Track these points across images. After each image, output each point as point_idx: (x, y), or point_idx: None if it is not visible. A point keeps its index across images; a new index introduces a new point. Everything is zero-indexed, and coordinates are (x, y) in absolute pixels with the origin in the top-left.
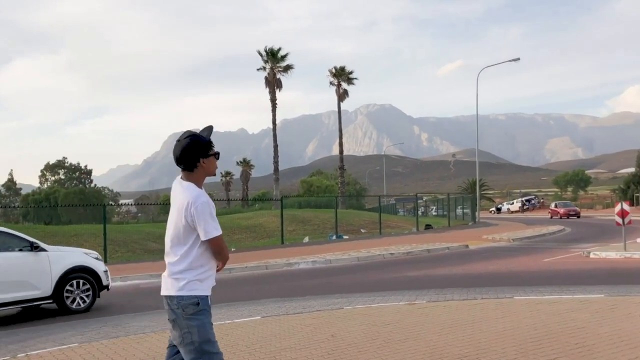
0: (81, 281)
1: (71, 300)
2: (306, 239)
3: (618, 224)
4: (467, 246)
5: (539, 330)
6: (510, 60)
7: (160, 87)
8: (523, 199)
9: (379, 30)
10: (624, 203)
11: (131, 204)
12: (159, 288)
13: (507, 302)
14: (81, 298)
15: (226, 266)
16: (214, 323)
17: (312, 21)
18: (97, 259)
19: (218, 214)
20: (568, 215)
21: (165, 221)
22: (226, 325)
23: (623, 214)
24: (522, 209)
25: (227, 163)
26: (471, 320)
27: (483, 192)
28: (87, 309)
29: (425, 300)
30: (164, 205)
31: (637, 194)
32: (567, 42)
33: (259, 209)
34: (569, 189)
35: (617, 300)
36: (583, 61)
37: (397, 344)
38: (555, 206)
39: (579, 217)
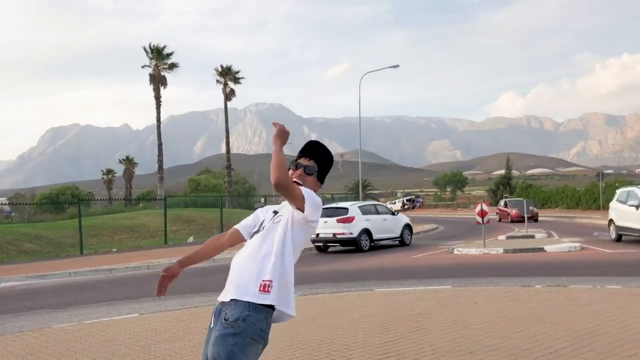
0: None
1: None
2: (191, 239)
3: (478, 223)
4: None
5: (388, 316)
6: (390, 67)
7: (37, 80)
8: (404, 198)
9: (269, 30)
10: (483, 204)
11: (4, 203)
12: (35, 289)
13: (367, 294)
14: None
15: (106, 266)
16: (91, 321)
17: (202, 17)
18: None
19: (99, 214)
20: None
21: (42, 221)
22: (104, 322)
23: (482, 214)
24: (404, 208)
25: (109, 160)
26: (333, 310)
27: (368, 191)
28: None
29: (296, 295)
30: (40, 204)
31: (506, 195)
32: (447, 49)
33: (142, 209)
34: (448, 189)
35: (460, 290)
36: (462, 68)
37: None
38: (506, 205)
39: (536, 220)
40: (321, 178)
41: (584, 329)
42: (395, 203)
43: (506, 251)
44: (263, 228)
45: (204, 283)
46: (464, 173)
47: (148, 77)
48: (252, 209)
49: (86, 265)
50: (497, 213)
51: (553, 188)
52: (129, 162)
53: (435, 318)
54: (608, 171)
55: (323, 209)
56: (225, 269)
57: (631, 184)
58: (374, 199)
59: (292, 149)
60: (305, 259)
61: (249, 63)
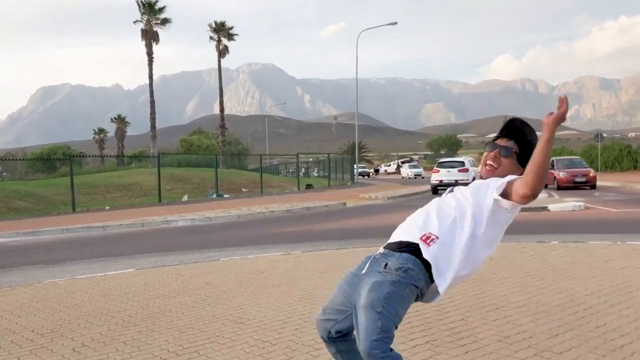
0: None
1: None
2: (185, 198)
3: (466, 181)
4: (344, 204)
5: None
6: (388, 24)
7: (26, 37)
8: (399, 161)
9: None
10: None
11: None
12: (26, 246)
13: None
14: None
15: (100, 223)
16: (85, 277)
17: None
18: None
19: (91, 173)
20: (575, 183)
21: (35, 179)
22: (98, 277)
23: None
24: (398, 171)
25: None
26: (341, 266)
27: (363, 154)
28: None
29: (300, 250)
30: (32, 161)
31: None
32: (445, 9)
33: (135, 168)
34: (442, 152)
35: None
36: (458, 30)
37: (271, 289)
38: (553, 167)
39: (593, 187)
40: (522, 162)
41: (614, 285)
42: (390, 165)
43: None
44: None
45: (203, 240)
46: (458, 136)
47: (140, 33)
48: (245, 169)
49: (79, 222)
50: None
51: None
52: (120, 121)
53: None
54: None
55: (445, 161)
56: (225, 227)
57: None
58: (368, 161)
59: (285, 110)
60: (301, 218)
61: (242, 21)
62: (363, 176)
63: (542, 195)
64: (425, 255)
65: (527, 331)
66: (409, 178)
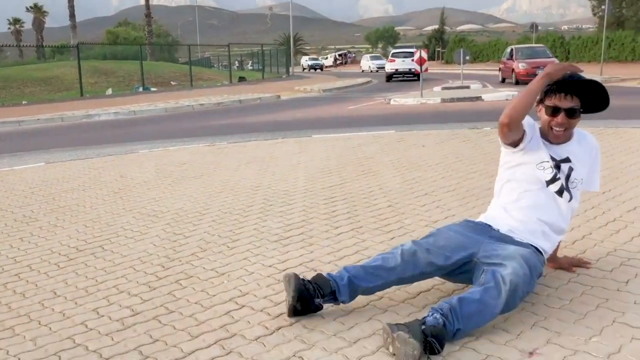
0: None
1: None
2: (109, 91)
3: (416, 71)
4: (279, 97)
5: (331, 161)
6: None
7: None
8: (336, 53)
9: None
10: (422, 51)
11: None
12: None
13: (305, 140)
14: None
15: (14, 118)
16: None
17: None
18: None
19: (7, 66)
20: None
21: None
22: (3, 172)
23: (421, 61)
24: (335, 64)
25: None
26: (269, 156)
27: (299, 47)
28: None
29: (227, 142)
30: None
31: (438, 49)
32: None
33: (55, 60)
34: (380, 45)
35: (405, 134)
36: None
37: (190, 180)
38: (511, 56)
39: None
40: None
41: None
42: (327, 58)
43: (444, 100)
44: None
45: (125, 134)
46: (395, 28)
47: None
48: (176, 62)
49: None
50: (500, 70)
51: (484, 42)
52: (37, 10)
53: (382, 161)
54: None
55: (400, 52)
56: (150, 121)
57: None
58: (304, 54)
59: (218, 0)
60: (232, 111)
61: None
62: (315, 69)
63: (476, 85)
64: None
65: (456, 215)
66: (371, 71)
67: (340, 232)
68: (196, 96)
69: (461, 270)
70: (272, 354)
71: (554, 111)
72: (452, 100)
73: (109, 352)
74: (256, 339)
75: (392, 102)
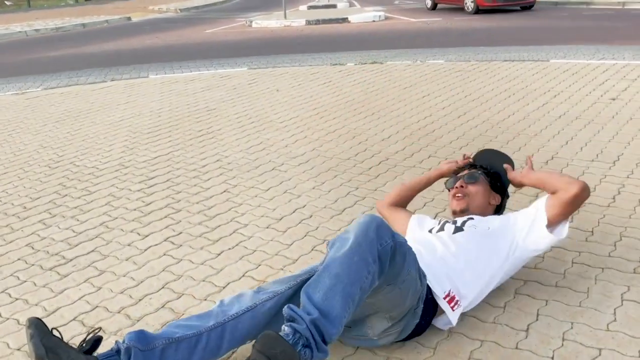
0: None
1: None
2: None
3: None
4: (129, 18)
5: (163, 116)
6: None
7: None
8: None
9: None
10: None
11: None
12: None
13: (139, 83)
14: None
15: None
16: None
17: None
18: None
19: None
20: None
21: None
22: None
23: None
24: None
25: None
26: (87, 109)
27: None
28: None
29: (41, 87)
30: None
31: None
32: None
33: None
34: None
35: (258, 73)
36: None
37: None
38: None
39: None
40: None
41: (415, 124)
42: None
43: (308, 22)
44: None
45: None
46: None
47: None
48: None
49: None
50: None
51: None
52: None
53: (226, 115)
54: None
55: None
56: None
57: None
58: None
59: None
60: (72, 38)
61: None
62: None
63: (343, 4)
64: None
65: (313, 215)
66: None
67: (149, 246)
68: (32, 19)
69: None
70: None
71: (454, 182)
72: (317, 22)
73: None
74: None
75: (253, 24)
